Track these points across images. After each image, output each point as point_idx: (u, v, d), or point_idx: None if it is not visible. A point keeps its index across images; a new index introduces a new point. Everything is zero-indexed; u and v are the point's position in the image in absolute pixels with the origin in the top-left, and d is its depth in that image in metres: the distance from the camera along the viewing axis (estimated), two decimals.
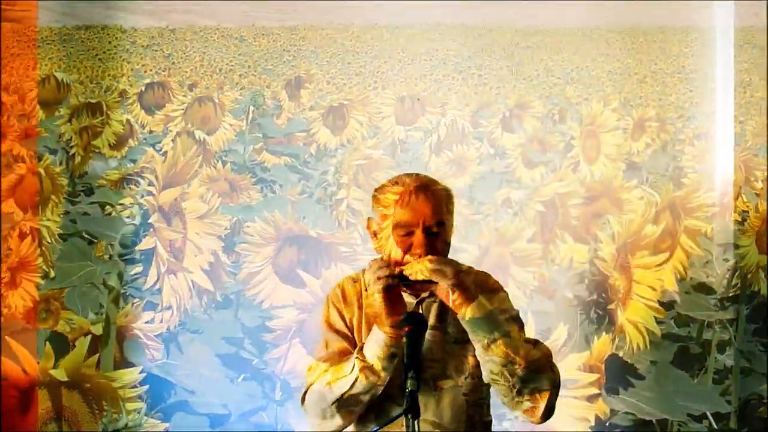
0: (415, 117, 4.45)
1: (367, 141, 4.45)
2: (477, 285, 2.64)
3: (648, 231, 4.25)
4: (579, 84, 4.42)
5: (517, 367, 2.53)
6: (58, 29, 4.48)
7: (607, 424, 4.17)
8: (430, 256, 2.55)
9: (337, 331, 2.68)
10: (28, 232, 4.38)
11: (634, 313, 4.21)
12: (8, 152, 4.43)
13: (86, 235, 4.39)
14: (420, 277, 2.52)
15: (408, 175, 2.67)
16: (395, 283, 2.54)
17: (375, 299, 2.55)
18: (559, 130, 4.41)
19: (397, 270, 2.54)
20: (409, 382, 2.39)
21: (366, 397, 2.57)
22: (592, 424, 4.12)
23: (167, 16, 4.49)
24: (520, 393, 2.55)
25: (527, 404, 2.57)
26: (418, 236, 2.57)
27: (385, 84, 4.46)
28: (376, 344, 2.55)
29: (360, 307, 2.69)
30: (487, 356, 2.55)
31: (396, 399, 2.56)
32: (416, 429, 2.35)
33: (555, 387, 2.59)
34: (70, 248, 4.38)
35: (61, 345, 4.28)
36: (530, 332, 4.00)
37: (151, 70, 4.50)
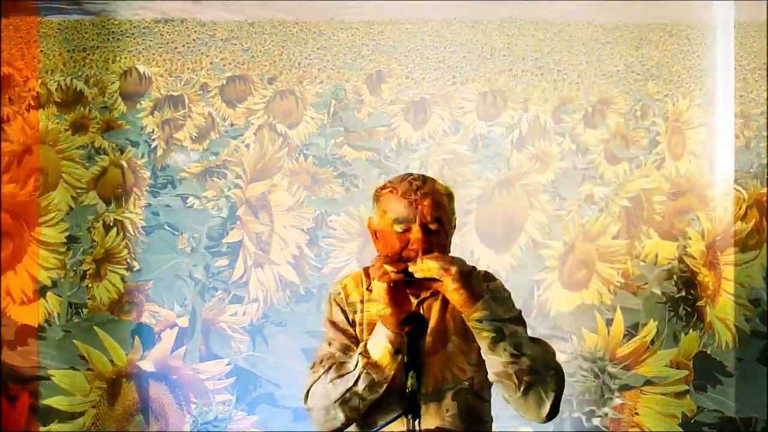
0: (497, 112, 4.44)
1: (449, 136, 4.44)
2: (481, 285, 2.65)
3: (738, 228, 4.23)
4: (659, 80, 4.40)
5: (521, 366, 2.54)
6: (138, 22, 4.49)
7: (692, 421, 4.16)
8: (435, 254, 2.56)
9: (340, 329, 2.70)
10: (112, 224, 4.39)
11: (723, 311, 4.19)
12: (90, 144, 4.45)
13: (168, 228, 4.40)
14: (425, 275, 2.52)
15: (408, 174, 2.72)
16: (400, 280, 2.55)
17: (379, 296, 2.56)
18: (642, 126, 4.40)
19: (402, 267, 2.55)
20: (409, 382, 2.40)
21: (369, 395, 2.57)
22: (680, 421, 4.11)
23: (246, 9, 4.49)
24: (525, 393, 2.57)
25: (532, 403, 2.58)
26: (416, 233, 2.59)
27: (464, 79, 4.45)
28: (379, 341, 2.56)
29: (362, 305, 2.70)
30: (492, 356, 2.56)
31: (397, 399, 2.55)
32: (416, 429, 2.36)
33: (559, 386, 2.60)
34: (155, 240, 4.39)
35: (147, 337, 4.29)
36: (618, 328, 4.02)
37: (230, 64, 4.50)
